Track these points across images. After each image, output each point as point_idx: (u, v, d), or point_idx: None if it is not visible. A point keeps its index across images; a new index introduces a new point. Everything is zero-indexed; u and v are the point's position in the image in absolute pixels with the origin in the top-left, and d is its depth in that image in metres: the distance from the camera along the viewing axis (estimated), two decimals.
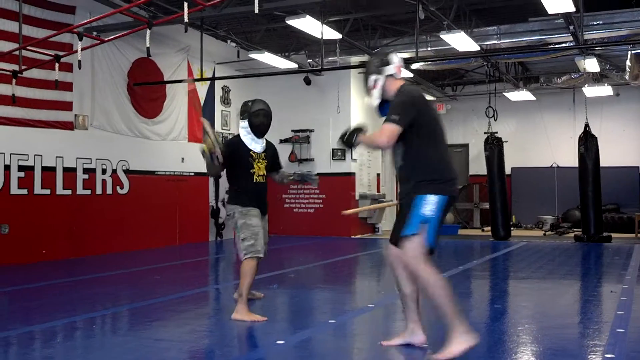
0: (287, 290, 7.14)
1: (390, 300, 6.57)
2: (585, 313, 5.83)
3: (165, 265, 9.56)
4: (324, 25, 9.64)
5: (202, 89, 12.80)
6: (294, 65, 12.75)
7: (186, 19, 6.58)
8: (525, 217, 16.36)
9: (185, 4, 6.59)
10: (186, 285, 7.47)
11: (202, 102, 12.73)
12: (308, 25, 9.75)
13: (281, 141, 14.46)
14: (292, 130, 14.51)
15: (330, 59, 12.30)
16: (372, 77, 4.25)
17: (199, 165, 12.77)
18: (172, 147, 11.98)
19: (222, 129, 13.39)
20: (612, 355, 4.06)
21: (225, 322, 5.29)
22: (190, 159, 12.41)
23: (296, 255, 11.24)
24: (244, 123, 5.46)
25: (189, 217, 12.32)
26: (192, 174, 12.52)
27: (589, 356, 4.20)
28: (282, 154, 14.43)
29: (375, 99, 4.28)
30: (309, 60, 13.14)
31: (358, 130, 4.20)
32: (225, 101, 13.67)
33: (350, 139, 4.17)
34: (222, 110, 13.52)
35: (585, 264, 9.88)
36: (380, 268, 9.89)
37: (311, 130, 14.53)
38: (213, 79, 12.65)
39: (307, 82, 14.03)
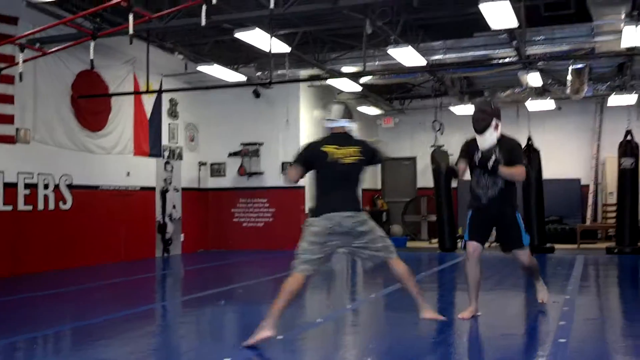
0: (235, 306, 7.07)
1: (338, 314, 6.58)
2: (529, 323, 5.94)
3: (110, 282, 9.35)
4: (272, 38, 9.63)
5: (148, 101, 12.62)
6: (243, 78, 12.69)
7: (131, 31, 6.50)
8: None
9: (131, 16, 6.50)
10: (131, 302, 7.31)
11: (148, 115, 12.54)
12: (257, 38, 9.72)
13: (230, 154, 14.36)
14: (242, 144, 14.41)
15: (279, 72, 12.27)
16: (496, 121, 5.67)
17: (145, 179, 12.72)
18: (117, 161, 11.75)
19: (169, 142, 13.23)
20: None
21: (170, 341, 5.19)
22: (135, 173, 12.18)
23: (245, 270, 11.15)
24: (356, 125, 5.11)
25: (134, 233, 12.08)
26: (138, 188, 12.30)
27: None
28: (232, 167, 14.51)
29: (494, 138, 5.67)
30: (258, 73, 13.08)
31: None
32: (173, 114, 13.51)
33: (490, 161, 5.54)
34: (169, 123, 13.35)
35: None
36: (329, 282, 9.88)
37: (260, 144, 14.46)
38: (160, 92, 12.49)
39: (256, 95, 14.00)
